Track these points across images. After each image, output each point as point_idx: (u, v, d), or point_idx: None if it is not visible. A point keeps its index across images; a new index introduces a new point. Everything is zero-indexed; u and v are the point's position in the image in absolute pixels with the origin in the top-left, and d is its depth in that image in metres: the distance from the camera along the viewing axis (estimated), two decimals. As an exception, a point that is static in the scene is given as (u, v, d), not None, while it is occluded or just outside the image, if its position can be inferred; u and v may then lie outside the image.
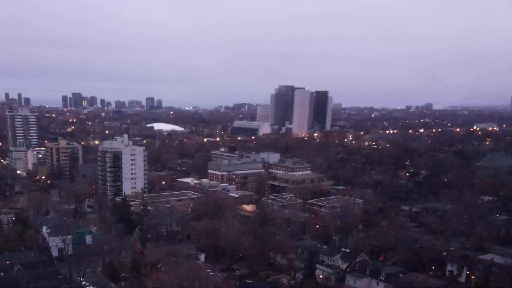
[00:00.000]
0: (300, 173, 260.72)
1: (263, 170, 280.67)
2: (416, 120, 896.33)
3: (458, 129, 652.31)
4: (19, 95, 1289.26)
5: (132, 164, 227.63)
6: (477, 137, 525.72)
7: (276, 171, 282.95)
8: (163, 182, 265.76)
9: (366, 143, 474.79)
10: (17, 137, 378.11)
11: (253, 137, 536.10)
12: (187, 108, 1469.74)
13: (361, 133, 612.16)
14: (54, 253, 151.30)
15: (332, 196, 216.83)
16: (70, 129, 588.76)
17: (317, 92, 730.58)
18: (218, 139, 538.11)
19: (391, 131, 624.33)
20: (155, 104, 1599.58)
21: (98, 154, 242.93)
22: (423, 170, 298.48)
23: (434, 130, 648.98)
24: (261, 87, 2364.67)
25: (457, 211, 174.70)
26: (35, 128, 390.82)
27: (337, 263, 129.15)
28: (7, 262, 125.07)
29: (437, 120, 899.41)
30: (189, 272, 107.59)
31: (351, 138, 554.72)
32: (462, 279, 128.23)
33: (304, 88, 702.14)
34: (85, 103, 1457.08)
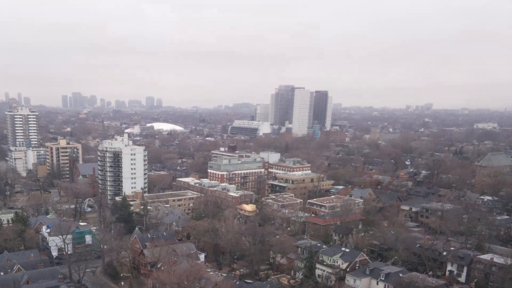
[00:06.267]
0: (300, 172, 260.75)
1: (263, 169, 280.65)
2: (416, 120, 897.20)
3: (458, 129, 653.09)
4: (19, 94, 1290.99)
5: (132, 164, 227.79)
6: (477, 137, 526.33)
7: (276, 171, 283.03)
8: (163, 182, 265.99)
9: (366, 143, 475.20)
10: (17, 137, 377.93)
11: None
12: (187, 108, 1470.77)
13: (361, 132, 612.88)
14: (54, 253, 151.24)
15: (332, 196, 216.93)
16: (69, 129, 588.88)
17: (317, 92, 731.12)
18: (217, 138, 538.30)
19: (391, 131, 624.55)
20: (155, 104, 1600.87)
21: (98, 153, 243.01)
22: (423, 170, 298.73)
23: (434, 130, 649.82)
24: (261, 87, 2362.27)
25: (457, 211, 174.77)
26: (35, 128, 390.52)
27: (337, 263, 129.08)
28: (7, 262, 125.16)
29: (437, 120, 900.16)
30: (189, 272, 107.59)
31: (351, 138, 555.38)
32: (462, 279, 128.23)
33: (304, 88, 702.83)
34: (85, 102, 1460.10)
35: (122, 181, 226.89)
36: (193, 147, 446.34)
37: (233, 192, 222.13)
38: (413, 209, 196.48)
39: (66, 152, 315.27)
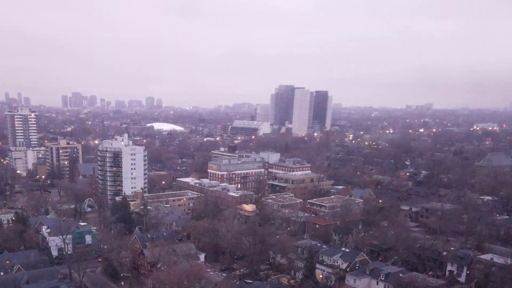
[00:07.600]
0: (300, 172, 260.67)
1: (263, 169, 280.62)
2: (416, 120, 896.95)
3: (458, 129, 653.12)
4: (19, 94, 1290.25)
5: (132, 164, 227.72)
6: (477, 137, 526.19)
7: (276, 171, 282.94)
8: (163, 182, 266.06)
9: (366, 143, 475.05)
10: (17, 137, 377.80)
11: (253, 137, 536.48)
12: (187, 108, 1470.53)
13: (361, 132, 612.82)
14: (54, 253, 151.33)
15: (332, 196, 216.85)
16: (69, 129, 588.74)
17: (317, 92, 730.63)
18: (218, 138, 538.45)
19: (391, 131, 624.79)
20: (155, 104, 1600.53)
21: (98, 153, 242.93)
22: (423, 170, 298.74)
23: (434, 130, 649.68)
24: (261, 87, 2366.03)
25: (457, 211, 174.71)
26: (35, 128, 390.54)
27: (337, 263, 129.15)
28: (7, 262, 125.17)
29: (437, 120, 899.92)
30: (189, 272, 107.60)
31: (351, 138, 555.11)
32: (462, 279, 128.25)
33: (304, 88, 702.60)
34: (85, 102, 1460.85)
35: (122, 181, 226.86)
36: (193, 147, 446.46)
37: (233, 192, 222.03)
38: (413, 209, 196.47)
39: (66, 152, 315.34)
